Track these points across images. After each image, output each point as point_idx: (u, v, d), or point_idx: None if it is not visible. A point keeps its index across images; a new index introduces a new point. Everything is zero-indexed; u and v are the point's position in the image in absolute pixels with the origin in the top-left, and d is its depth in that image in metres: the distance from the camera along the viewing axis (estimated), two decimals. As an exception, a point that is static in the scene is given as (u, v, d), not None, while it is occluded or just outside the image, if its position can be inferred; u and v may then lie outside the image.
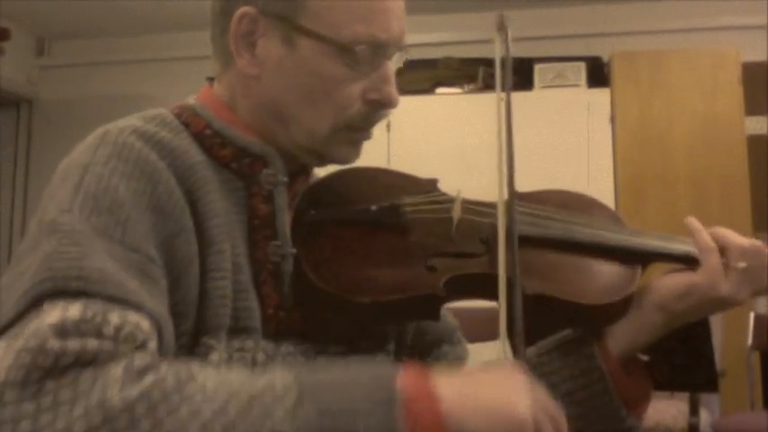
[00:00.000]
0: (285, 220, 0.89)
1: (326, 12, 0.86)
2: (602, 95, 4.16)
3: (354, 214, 0.93)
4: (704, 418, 3.13)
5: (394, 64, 0.91)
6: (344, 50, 0.86)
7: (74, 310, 0.66)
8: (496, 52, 0.87)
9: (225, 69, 0.92)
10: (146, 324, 0.69)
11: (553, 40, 4.44)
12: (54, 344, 0.63)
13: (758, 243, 0.94)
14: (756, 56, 4.22)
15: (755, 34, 4.25)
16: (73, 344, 0.64)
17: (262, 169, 0.89)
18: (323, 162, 0.94)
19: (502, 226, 0.84)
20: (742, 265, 0.92)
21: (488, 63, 4.38)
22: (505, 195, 0.87)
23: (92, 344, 0.64)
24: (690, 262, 0.94)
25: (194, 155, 0.84)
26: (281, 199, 0.89)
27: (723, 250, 0.93)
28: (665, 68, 4.10)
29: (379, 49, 0.88)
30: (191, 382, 0.63)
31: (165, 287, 0.76)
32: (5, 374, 0.62)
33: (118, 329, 0.66)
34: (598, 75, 4.27)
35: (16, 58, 4.87)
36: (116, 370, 0.63)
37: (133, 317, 0.68)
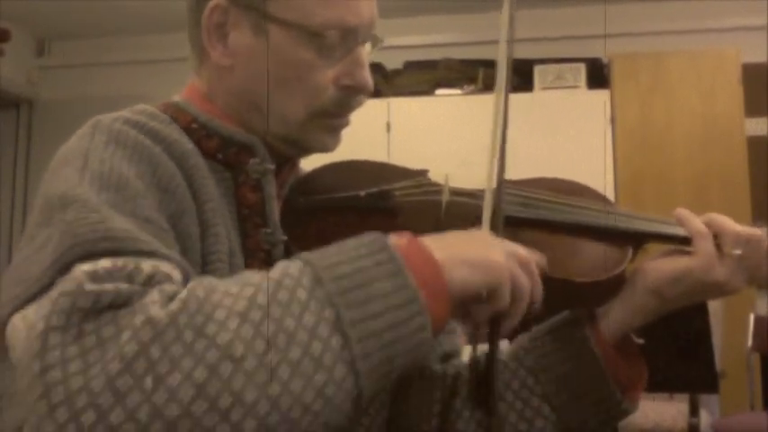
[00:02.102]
0: (274, 208, 0.90)
1: None
2: (601, 97, 4.17)
3: (344, 201, 0.94)
4: (704, 418, 3.13)
5: (368, 52, 0.92)
6: (314, 36, 0.87)
7: (105, 261, 0.66)
8: (503, 21, 0.87)
9: (201, 63, 0.93)
10: (177, 274, 0.70)
11: (553, 41, 4.44)
12: (91, 287, 0.63)
13: (755, 230, 0.93)
14: (756, 57, 4.22)
15: (755, 35, 4.26)
16: (108, 286, 0.64)
17: (248, 159, 0.90)
18: (302, 151, 0.94)
19: (488, 206, 0.85)
20: (737, 251, 0.91)
21: (488, 64, 4.38)
22: (495, 178, 0.88)
23: (125, 287, 0.64)
24: (684, 242, 0.94)
25: (185, 143, 0.85)
26: (270, 187, 0.90)
27: (718, 236, 0.93)
28: (665, 69, 4.10)
29: (350, 34, 0.88)
30: (215, 290, 0.65)
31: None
32: (46, 322, 0.62)
33: (150, 277, 0.67)
34: (598, 76, 4.27)
35: (16, 59, 4.88)
36: (152, 295, 0.64)
37: (165, 266, 0.69)
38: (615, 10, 4.51)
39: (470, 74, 4.37)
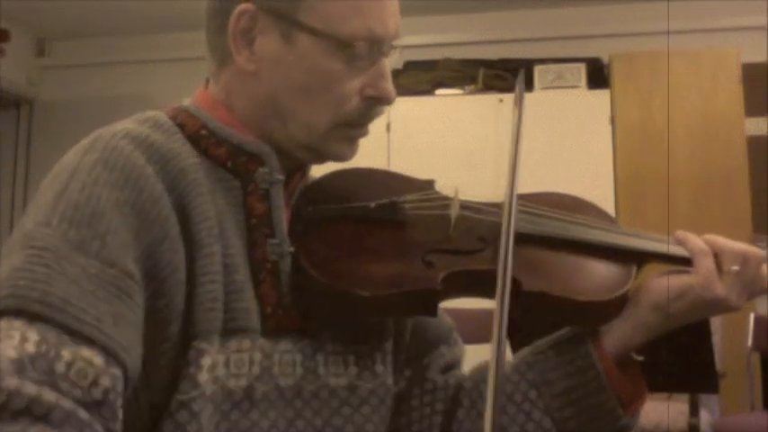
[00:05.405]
0: (282, 219, 0.90)
1: (325, 8, 0.87)
2: (601, 97, 4.17)
3: (353, 211, 0.94)
4: (704, 418, 3.13)
5: (391, 62, 0.93)
6: (343, 46, 0.87)
7: (30, 344, 0.68)
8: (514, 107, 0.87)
9: (221, 68, 0.93)
10: (98, 360, 0.71)
11: (553, 41, 4.44)
12: (11, 382, 0.65)
13: (753, 248, 0.94)
14: (756, 57, 4.22)
15: (755, 35, 4.25)
16: (29, 388, 0.65)
17: (257, 168, 0.89)
18: (320, 159, 0.94)
19: (506, 220, 0.85)
20: (735, 268, 0.92)
21: (488, 64, 4.38)
22: (508, 194, 0.88)
23: (48, 396, 0.66)
24: (685, 263, 0.95)
25: (187, 157, 0.85)
26: (278, 197, 0.90)
27: (717, 254, 0.94)
28: (664, 69, 4.10)
29: (376, 45, 0.89)
30: None
31: (141, 301, 0.77)
32: None
33: (69, 365, 0.69)
34: (598, 76, 4.27)
35: (16, 59, 4.88)
36: None
37: (85, 352, 0.70)
38: (615, 10, 4.51)
39: (470, 74, 4.37)
